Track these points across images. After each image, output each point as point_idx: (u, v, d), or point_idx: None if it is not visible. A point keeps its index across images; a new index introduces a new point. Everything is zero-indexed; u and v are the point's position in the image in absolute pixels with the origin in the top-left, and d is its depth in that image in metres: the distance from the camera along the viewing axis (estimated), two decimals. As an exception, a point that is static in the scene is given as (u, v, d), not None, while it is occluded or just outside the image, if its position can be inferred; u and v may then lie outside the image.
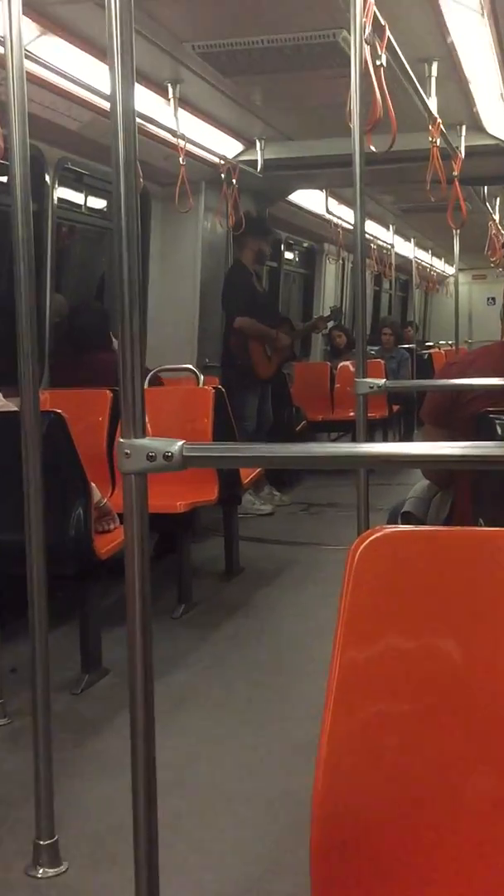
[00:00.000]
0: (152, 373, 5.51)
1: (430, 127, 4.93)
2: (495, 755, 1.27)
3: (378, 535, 1.36)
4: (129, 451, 1.39)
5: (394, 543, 1.37)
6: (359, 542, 1.34)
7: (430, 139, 4.98)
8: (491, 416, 2.88)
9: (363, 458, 1.55)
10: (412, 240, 12.77)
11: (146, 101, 5.36)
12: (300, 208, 9.17)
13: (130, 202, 1.38)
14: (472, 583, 1.34)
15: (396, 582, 1.34)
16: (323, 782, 1.25)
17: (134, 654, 1.44)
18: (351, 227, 9.31)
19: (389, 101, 3.32)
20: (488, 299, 17.66)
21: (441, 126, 4.98)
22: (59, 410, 3.75)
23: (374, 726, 1.29)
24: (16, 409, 2.81)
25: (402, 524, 3.12)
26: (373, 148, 3.20)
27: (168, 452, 1.38)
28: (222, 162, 6.57)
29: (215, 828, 2.75)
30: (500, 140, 6.51)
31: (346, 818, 1.25)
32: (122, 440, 1.40)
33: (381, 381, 3.02)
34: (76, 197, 6.51)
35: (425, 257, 15.12)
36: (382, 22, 3.31)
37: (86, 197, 6.59)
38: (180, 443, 1.39)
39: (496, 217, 9.85)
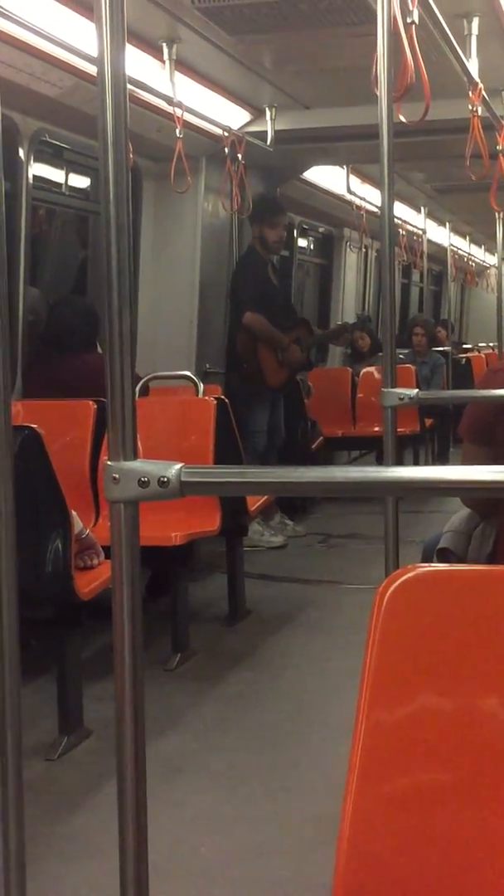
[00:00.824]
0: (143, 381, 5.52)
1: (470, 93, 4.95)
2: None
3: (410, 574, 1.35)
4: (117, 476, 1.39)
5: (429, 585, 1.37)
6: (388, 584, 1.33)
7: (470, 107, 5.00)
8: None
9: (394, 485, 1.54)
10: (447, 224, 12.81)
11: (137, 64, 5.38)
12: (316, 188, 9.21)
13: (120, 182, 1.39)
14: (523, 632, 1.34)
15: (432, 630, 1.34)
16: (346, 864, 1.25)
17: (122, 714, 1.44)
18: (376, 210, 9.30)
19: (422, 64, 3.33)
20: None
21: (483, 92, 5.00)
22: (34, 425, 3.76)
23: (405, 799, 1.29)
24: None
25: (438, 563, 3.12)
26: (402, 118, 3.21)
27: (164, 477, 1.38)
28: (226, 134, 6.59)
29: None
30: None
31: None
32: (109, 462, 1.40)
33: (413, 392, 3.02)
34: (55, 175, 6.54)
35: (462, 245, 15.16)
36: (414, -29, 3.33)
37: (66, 175, 6.61)
38: (178, 466, 1.39)
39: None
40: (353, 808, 1.27)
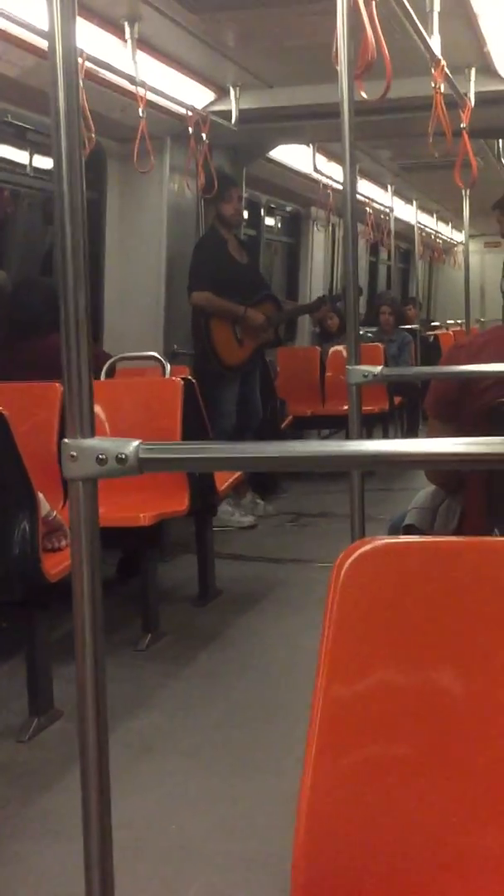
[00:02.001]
0: (110, 362, 5.50)
1: (433, 70, 4.94)
2: (507, 806, 1.27)
3: (368, 547, 1.35)
4: (75, 454, 1.39)
5: (387, 557, 1.37)
6: (344, 557, 1.33)
7: (433, 85, 4.98)
8: (506, 407, 2.89)
9: (354, 458, 1.54)
10: (414, 202, 12.80)
11: (99, 43, 5.35)
12: (283, 167, 9.18)
13: (74, 158, 1.38)
14: (481, 604, 1.34)
15: (390, 603, 1.34)
16: (304, 840, 1.25)
17: (84, 695, 1.44)
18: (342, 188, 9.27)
19: (383, 41, 3.32)
20: (505, 271, 17.77)
21: (446, 69, 4.98)
22: (0, 408, 3.74)
23: (363, 774, 1.29)
24: None
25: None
26: (364, 95, 3.20)
27: (122, 454, 1.38)
28: (190, 113, 6.56)
29: (187, 897, 2.75)
30: (516, 85, 6.54)
31: (332, 882, 1.25)
32: (66, 441, 1.39)
33: (378, 369, 3.02)
34: (19, 156, 6.48)
35: (430, 222, 15.17)
36: None
37: (31, 155, 6.56)
38: (136, 442, 1.38)
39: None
40: (312, 783, 1.27)
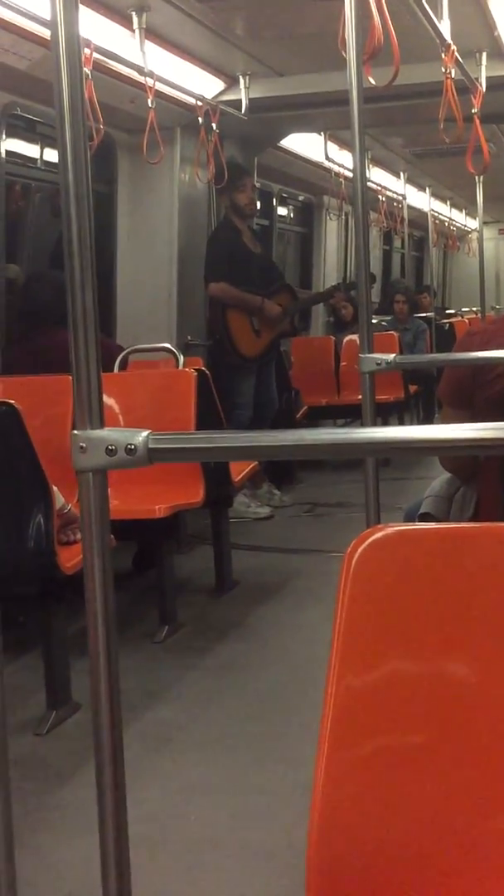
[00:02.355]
0: (123, 354, 5.51)
1: (444, 55, 4.91)
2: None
3: (380, 535, 1.34)
4: (84, 445, 1.39)
5: (399, 544, 1.36)
6: (357, 544, 1.32)
7: (444, 70, 4.96)
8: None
9: (366, 446, 1.53)
10: (427, 189, 12.75)
11: (107, 33, 5.34)
12: (295, 156, 9.16)
13: (79, 148, 1.37)
14: (495, 592, 1.33)
15: (403, 591, 1.33)
16: (318, 830, 1.25)
17: (97, 688, 1.44)
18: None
19: (391, 26, 3.30)
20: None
21: (456, 54, 4.96)
22: (12, 401, 3.74)
23: (377, 764, 1.29)
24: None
25: (419, 527, 3.11)
26: (372, 81, 3.19)
27: (131, 445, 1.38)
28: (200, 103, 6.55)
29: (205, 889, 2.75)
30: (528, 69, 6.51)
31: (347, 871, 1.25)
32: (75, 432, 1.39)
33: (391, 357, 3.01)
34: (30, 149, 6.48)
35: (443, 210, 15.11)
36: None
37: (41, 149, 6.55)
38: (145, 433, 1.38)
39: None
40: (325, 774, 1.27)
